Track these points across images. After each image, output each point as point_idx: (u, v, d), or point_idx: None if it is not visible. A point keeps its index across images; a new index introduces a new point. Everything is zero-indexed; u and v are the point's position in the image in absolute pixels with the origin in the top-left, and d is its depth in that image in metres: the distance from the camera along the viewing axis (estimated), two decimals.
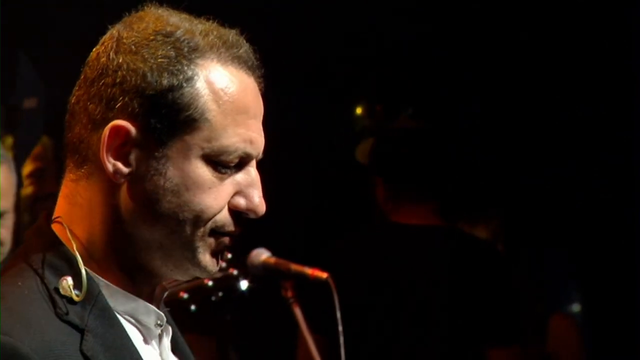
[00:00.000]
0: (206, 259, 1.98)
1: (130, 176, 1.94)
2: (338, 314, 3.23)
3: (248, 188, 1.98)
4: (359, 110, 6.70)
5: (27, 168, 5.44)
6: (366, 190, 5.51)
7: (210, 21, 2.01)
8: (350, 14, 6.33)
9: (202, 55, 1.95)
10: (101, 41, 2.00)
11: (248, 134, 1.96)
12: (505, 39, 6.39)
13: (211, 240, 1.97)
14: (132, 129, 1.92)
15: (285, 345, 4.37)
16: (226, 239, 2.00)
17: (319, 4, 6.25)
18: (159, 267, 1.98)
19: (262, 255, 3.34)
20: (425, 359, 4.26)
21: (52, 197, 5.04)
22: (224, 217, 1.96)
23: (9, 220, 3.96)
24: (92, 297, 1.92)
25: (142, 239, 1.94)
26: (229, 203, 1.97)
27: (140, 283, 2.00)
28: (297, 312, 3.37)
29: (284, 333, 4.06)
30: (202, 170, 1.93)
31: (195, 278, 2.08)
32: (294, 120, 6.07)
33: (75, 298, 1.90)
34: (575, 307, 6.31)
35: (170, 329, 2.09)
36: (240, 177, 1.98)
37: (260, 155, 2.01)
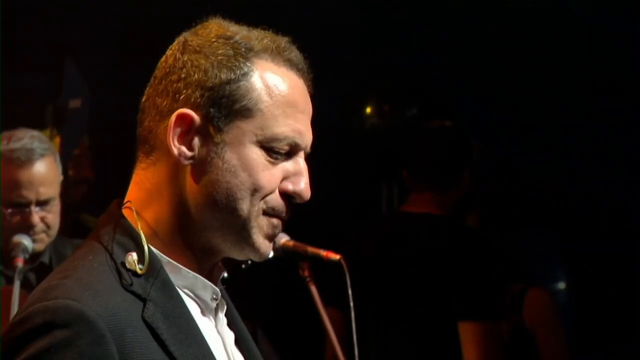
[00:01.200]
0: (260, 240, 2.03)
1: (193, 159, 1.99)
2: (349, 291, 3.27)
3: (296, 175, 2.03)
4: (368, 110, 6.72)
5: None
6: (374, 183, 5.56)
7: (265, 31, 2.08)
8: (360, 18, 6.35)
9: (257, 55, 2.01)
10: (170, 47, 2.07)
11: (297, 126, 2.02)
12: (501, 42, 6.39)
13: (264, 221, 2.01)
14: (195, 117, 1.98)
15: (301, 319, 4.41)
16: (278, 223, 2.04)
17: (334, 10, 6.27)
18: (218, 245, 2.03)
19: (281, 239, 3.37)
20: (407, 332, 4.30)
21: (86, 182, 5.04)
22: (275, 198, 2.01)
23: (55, 206, 4.04)
24: (155, 271, 1.97)
25: (204, 218, 1.99)
26: (278, 187, 2.01)
27: (201, 261, 2.04)
28: (313, 290, 3.41)
29: (301, 309, 4.11)
30: (256, 154, 1.98)
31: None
32: (314, 117, 6.08)
33: (139, 271, 1.95)
34: (561, 285, 6.29)
35: (225, 304, 2.13)
36: (289, 165, 2.02)
37: (308, 149, 2.06)
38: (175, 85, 2.00)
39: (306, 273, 3.44)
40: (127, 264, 1.97)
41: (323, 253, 3.36)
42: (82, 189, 4.97)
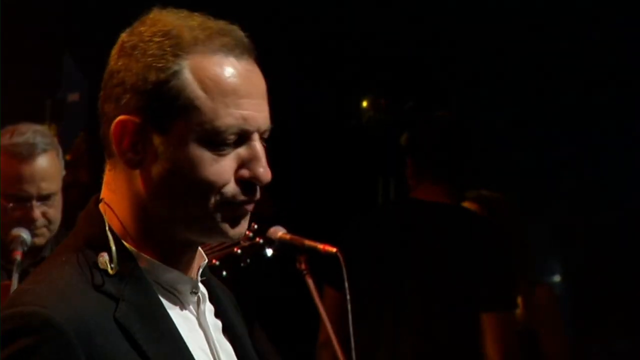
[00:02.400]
0: (226, 227, 1.96)
1: (142, 164, 1.93)
2: (346, 284, 3.25)
3: (251, 161, 1.94)
4: (365, 104, 6.73)
5: None
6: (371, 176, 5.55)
7: (205, 15, 1.99)
8: (358, 15, 6.34)
9: (188, 49, 1.93)
10: (114, 47, 2.00)
11: (239, 112, 1.93)
12: (498, 35, 6.40)
13: (225, 211, 1.95)
14: (136, 121, 1.92)
15: (298, 310, 4.40)
16: (241, 209, 1.97)
17: (331, 5, 6.27)
18: (189, 237, 1.97)
19: (279, 232, 3.36)
20: (426, 322, 4.29)
21: (82, 185, 5.00)
22: (231, 188, 1.94)
23: (57, 201, 4.01)
24: (129, 270, 1.93)
25: (164, 216, 1.95)
26: (234, 175, 1.94)
27: (178, 253, 1.99)
28: (310, 282, 3.39)
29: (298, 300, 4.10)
30: (200, 152, 1.91)
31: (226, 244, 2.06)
32: (311, 112, 6.09)
33: (110, 271, 1.91)
34: (556, 278, 6.32)
35: (206, 295, 2.07)
36: (242, 151, 1.94)
37: (262, 129, 1.97)
38: (115, 90, 1.94)
39: (303, 266, 3.42)
40: (99, 264, 1.92)
41: (320, 246, 3.35)
42: (78, 192, 4.94)
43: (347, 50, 6.42)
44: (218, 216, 1.94)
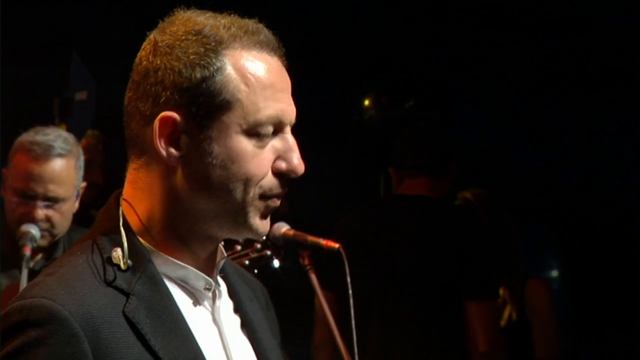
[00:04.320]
0: (256, 222, 1.98)
1: (182, 159, 1.94)
2: (348, 279, 3.23)
3: (287, 152, 1.98)
4: (367, 102, 6.73)
5: None
6: (373, 172, 5.53)
7: (232, 15, 2.01)
8: (361, 16, 6.35)
9: (227, 46, 1.95)
10: (142, 47, 2.00)
11: (277, 105, 1.96)
12: (495, 37, 6.40)
13: (260, 204, 1.97)
14: (178, 118, 1.92)
15: (303, 305, 4.39)
16: (274, 202, 1.99)
17: (334, 4, 6.28)
18: (216, 233, 1.98)
19: (282, 228, 3.35)
20: (412, 311, 4.31)
21: (96, 187, 4.95)
22: (269, 181, 1.96)
23: (64, 208, 3.96)
24: (142, 265, 1.93)
25: (199, 211, 1.96)
26: (271, 168, 1.97)
27: (198, 250, 2.00)
28: (313, 277, 3.38)
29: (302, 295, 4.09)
30: (244, 144, 1.93)
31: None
32: (314, 109, 6.11)
33: (123, 266, 1.92)
34: (554, 273, 6.33)
35: (223, 292, 2.08)
36: (278, 143, 1.97)
37: (293, 121, 2.00)
38: (153, 88, 1.94)
39: (306, 261, 3.40)
40: (113, 259, 1.93)
41: (323, 242, 3.32)
42: (91, 192, 4.91)
43: (351, 50, 6.43)
44: (252, 210, 1.96)
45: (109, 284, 1.90)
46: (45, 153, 3.88)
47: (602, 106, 6.27)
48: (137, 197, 1.98)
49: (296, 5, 5.99)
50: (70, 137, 4.01)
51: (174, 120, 1.92)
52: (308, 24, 6.18)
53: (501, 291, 4.83)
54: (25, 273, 3.63)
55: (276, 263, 3.44)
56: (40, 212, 3.86)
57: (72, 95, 6.72)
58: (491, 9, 6.31)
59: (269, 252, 3.43)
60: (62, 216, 3.92)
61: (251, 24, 2.00)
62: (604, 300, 6.19)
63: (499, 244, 4.63)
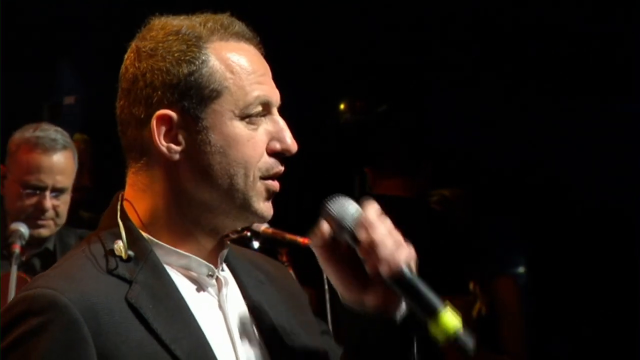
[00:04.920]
0: (261, 205, 2.03)
1: (183, 153, 1.99)
2: (325, 276, 3.32)
3: (279, 133, 2.04)
4: (342, 106, 6.76)
5: None
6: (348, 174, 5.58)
7: (205, 14, 2.08)
8: (337, 22, 6.40)
9: (207, 40, 2.02)
10: (126, 57, 2.06)
11: (262, 87, 2.03)
12: (467, 44, 6.45)
13: (261, 187, 2.02)
14: (173, 114, 1.99)
15: None
16: (274, 184, 2.04)
17: (313, 11, 6.32)
18: (222, 222, 2.03)
19: (261, 226, 3.40)
20: None
21: (85, 189, 5.04)
22: (265, 162, 2.02)
23: (67, 197, 4.10)
24: (144, 256, 1.99)
25: (204, 202, 2.00)
26: (266, 149, 2.02)
27: (203, 242, 2.05)
28: (292, 274, 3.44)
29: None
30: (238, 129, 2.00)
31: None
32: (291, 112, 6.12)
33: (124, 256, 1.97)
34: (521, 270, 6.34)
35: (228, 279, 2.10)
36: (269, 126, 2.03)
37: (278, 103, 2.06)
38: (144, 92, 2.00)
39: (284, 258, 3.47)
40: (115, 251, 1.98)
41: (300, 239, 3.38)
42: (80, 195, 4.99)
43: (327, 55, 6.45)
44: (255, 193, 2.01)
45: (111, 273, 1.97)
46: (52, 146, 4.03)
47: (574, 107, 6.30)
48: (139, 198, 2.04)
49: (273, 11, 6.02)
50: (63, 131, 4.17)
51: (169, 117, 1.99)
52: (286, 30, 6.21)
53: (471, 287, 4.90)
54: (14, 270, 3.73)
55: (255, 244, 3.45)
56: (49, 203, 3.99)
57: (60, 100, 6.73)
58: (466, 14, 6.33)
59: (248, 234, 3.44)
60: (65, 206, 4.07)
61: (224, 17, 2.08)
62: (569, 295, 6.23)
63: (470, 242, 4.68)
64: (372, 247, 2.04)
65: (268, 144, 2.03)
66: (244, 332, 2.09)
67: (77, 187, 4.36)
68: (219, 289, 2.08)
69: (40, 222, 4.03)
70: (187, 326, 1.97)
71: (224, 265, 2.12)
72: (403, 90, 6.60)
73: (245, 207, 2.02)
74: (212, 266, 2.06)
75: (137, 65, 2.02)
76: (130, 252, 1.99)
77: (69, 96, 6.71)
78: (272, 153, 2.04)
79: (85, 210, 5.21)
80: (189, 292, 2.03)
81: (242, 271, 2.17)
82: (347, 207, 2.09)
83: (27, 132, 4.09)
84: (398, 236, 2.12)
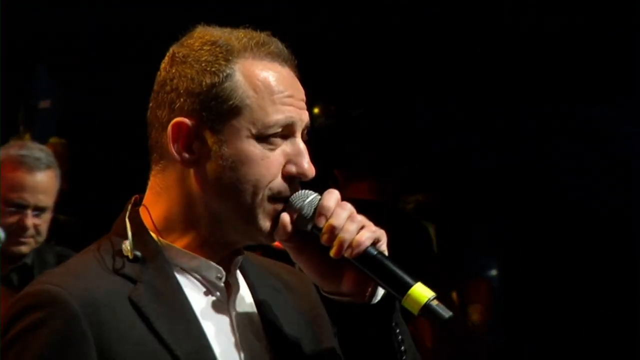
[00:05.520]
0: (266, 224, 2.02)
1: (196, 162, 2.01)
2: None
3: (297, 156, 2.03)
4: (316, 110, 6.79)
5: None
6: (322, 179, 5.60)
7: (247, 29, 2.09)
8: (312, 25, 6.40)
9: (239, 55, 2.02)
10: (163, 61, 2.09)
11: (286, 108, 2.02)
12: (444, 47, 6.46)
13: (269, 207, 2.01)
14: (190, 123, 2.00)
15: None
16: (282, 204, 2.02)
17: (289, 15, 6.32)
18: (231, 236, 2.04)
19: None
20: None
21: (62, 193, 5.11)
22: (278, 184, 2.01)
23: (48, 215, 4.14)
24: (153, 257, 2.01)
25: (213, 214, 2.01)
26: (282, 171, 2.01)
27: (217, 248, 2.05)
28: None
29: None
30: (253, 147, 1.99)
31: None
32: None
33: (130, 256, 1.99)
34: (493, 272, 6.38)
35: (239, 284, 2.11)
36: (288, 148, 2.02)
37: (304, 125, 2.05)
38: (169, 96, 2.03)
39: None
40: (122, 251, 2.01)
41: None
42: (57, 199, 5.01)
43: (302, 58, 6.47)
44: (261, 212, 2.01)
45: (117, 272, 1.99)
46: (36, 165, 4.05)
47: (548, 113, 6.33)
48: (155, 201, 2.06)
49: (247, 15, 6.02)
50: (48, 150, 4.19)
51: (186, 125, 2.01)
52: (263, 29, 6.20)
53: (454, 296, 4.91)
54: None
55: None
56: (30, 222, 4.01)
57: (36, 104, 6.72)
58: (448, 18, 6.36)
59: None
60: (46, 224, 4.09)
61: (263, 36, 2.10)
62: (542, 298, 6.26)
63: (443, 245, 4.68)
64: (332, 233, 2.02)
65: (284, 167, 2.03)
66: (249, 338, 2.09)
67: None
68: (229, 294, 2.09)
69: (21, 240, 4.06)
70: (189, 328, 1.99)
71: (238, 272, 2.12)
72: (383, 94, 6.62)
73: (251, 224, 2.02)
74: (221, 269, 2.06)
75: (168, 69, 2.06)
76: (137, 253, 2.01)
77: (44, 100, 6.71)
78: (287, 176, 2.03)
79: (62, 214, 5.22)
80: (196, 294, 2.04)
81: (256, 278, 2.17)
82: (306, 198, 2.05)
83: (12, 150, 4.11)
84: (362, 219, 2.07)
